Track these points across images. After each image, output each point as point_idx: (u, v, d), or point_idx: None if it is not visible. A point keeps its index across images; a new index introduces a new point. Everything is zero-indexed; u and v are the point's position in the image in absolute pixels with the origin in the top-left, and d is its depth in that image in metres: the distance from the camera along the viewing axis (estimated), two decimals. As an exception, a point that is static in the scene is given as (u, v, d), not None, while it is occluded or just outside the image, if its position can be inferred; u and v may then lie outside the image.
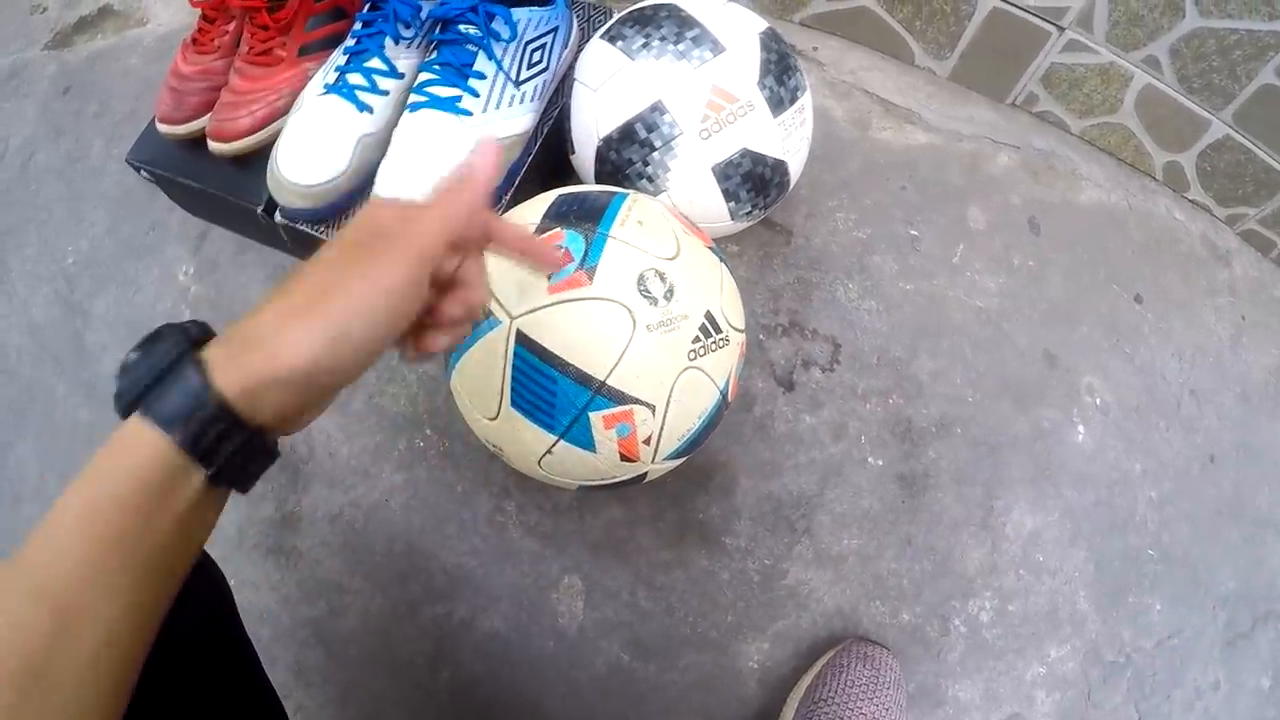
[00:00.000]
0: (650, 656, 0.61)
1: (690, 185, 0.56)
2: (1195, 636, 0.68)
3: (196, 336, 0.29)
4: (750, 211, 0.60)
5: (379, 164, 0.59)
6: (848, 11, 0.79)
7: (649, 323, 0.44)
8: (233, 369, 0.27)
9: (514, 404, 0.45)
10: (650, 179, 0.56)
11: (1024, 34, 0.74)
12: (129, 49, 0.94)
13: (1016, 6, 0.72)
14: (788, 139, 0.57)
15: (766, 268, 0.70)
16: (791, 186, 0.62)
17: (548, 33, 0.60)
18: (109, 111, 0.91)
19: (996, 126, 0.79)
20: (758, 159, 0.56)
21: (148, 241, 0.82)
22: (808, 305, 0.69)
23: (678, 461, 0.51)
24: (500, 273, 0.47)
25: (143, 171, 0.73)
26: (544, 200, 0.49)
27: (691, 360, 0.45)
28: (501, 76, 0.58)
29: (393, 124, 0.60)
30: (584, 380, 0.43)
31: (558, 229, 0.46)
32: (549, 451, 0.47)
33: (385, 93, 0.60)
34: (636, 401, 0.44)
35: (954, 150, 0.77)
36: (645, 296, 0.44)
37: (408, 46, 0.60)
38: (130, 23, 0.98)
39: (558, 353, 0.43)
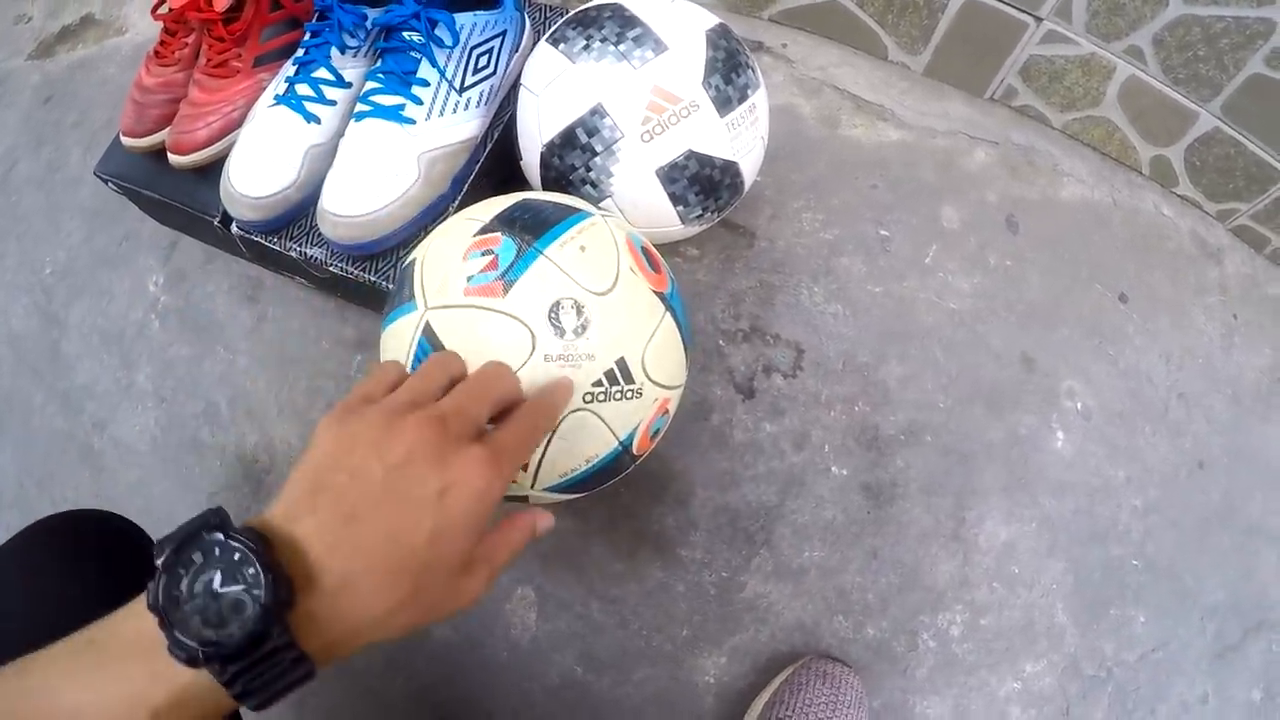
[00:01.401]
0: (604, 669, 0.60)
1: (635, 190, 0.55)
2: (1182, 649, 0.65)
3: (284, 598, 0.27)
4: (702, 215, 0.59)
5: (326, 174, 0.58)
6: (818, 6, 0.77)
7: (548, 353, 0.42)
8: (318, 643, 0.28)
9: None
10: (594, 184, 0.55)
11: (1000, 25, 0.71)
12: (107, 58, 0.95)
13: (991, -3, 0.70)
14: (737, 139, 0.56)
15: (728, 271, 0.68)
16: (745, 188, 0.60)
17: (494, 37, 0.59)
18: (87, 121, 0.92)
19: (973, 122, 0.76)
20: (705, 160, 0.55)
21: (121, 252, 0.83)
22: (770, 309, 0.67)
23: (566, 496, 0.49)
24: (435, 258, 0.46)
25: (110, 184, 0.74)
26: (501, 202, 0.48)
27: (586, 403, 0.43)
28: (444, 83, 0.57)
29: (340, 134, 0.59)
30: None
31: (498, 234, 0.45)
32: None
33: (333, 103, 0.60)
34: None
35: (928, 147, 0.75)
36: (554, 325, 0.42)
37: (354, 55, 0.60)
38: (110, 32, 0.98)
39: None
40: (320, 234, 0.60)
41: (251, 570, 0.27)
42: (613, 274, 0.45)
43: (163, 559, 0.27)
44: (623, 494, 0.61)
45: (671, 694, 0.59)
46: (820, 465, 0.63)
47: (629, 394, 0.45)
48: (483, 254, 0.44)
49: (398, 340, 0.46)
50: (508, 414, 0.37)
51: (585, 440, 0.45)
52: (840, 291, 0.68)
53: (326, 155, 0.59)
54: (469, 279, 0.43)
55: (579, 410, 0.43)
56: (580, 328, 0.43)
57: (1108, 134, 0.77)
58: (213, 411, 0.74)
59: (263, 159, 0.59)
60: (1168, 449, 0.70)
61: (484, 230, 0.46)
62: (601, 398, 0.44)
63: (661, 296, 0.47)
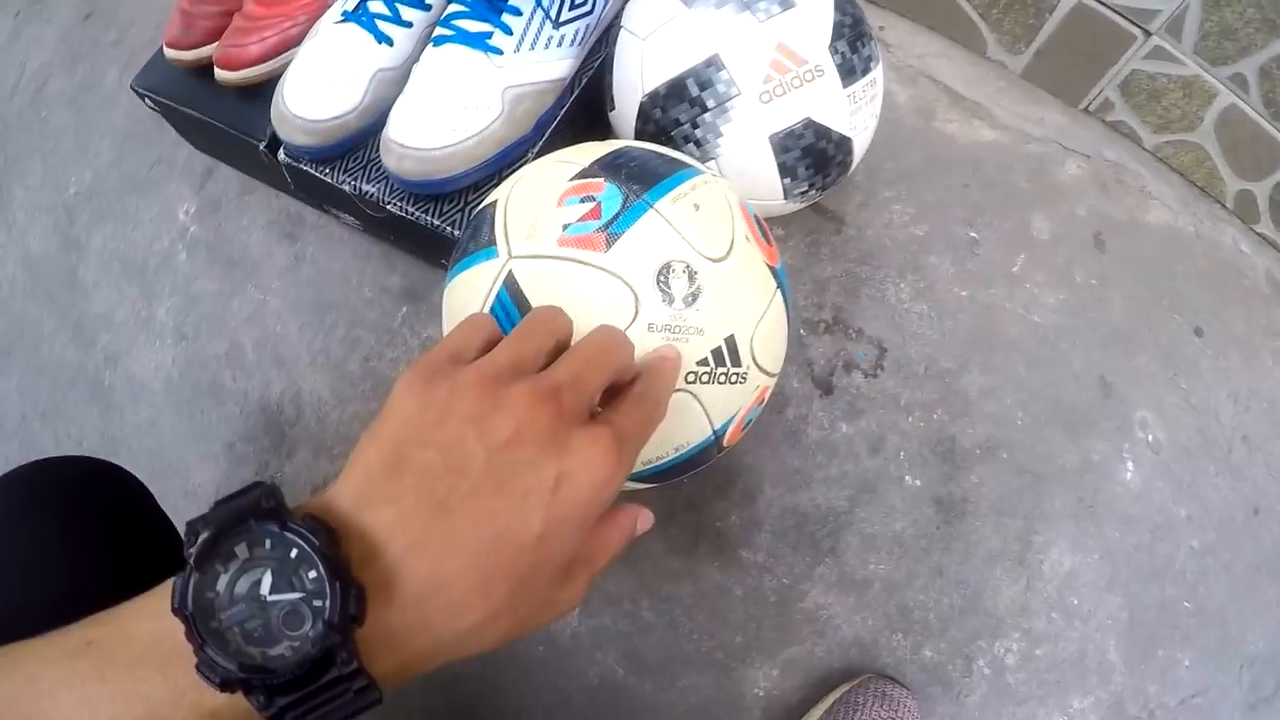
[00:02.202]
0: (648, 673, 0.51)
1: (744, 155, 0.46)
2: (1220, 697, 0.59)
3: (353, 613, 0.19)
4: (806, 191, 0.50)
5: (395, 102, 0.49)
6: (919, -8, 0.68)
7: (653, 321, 0.34)
8: (389, 666, 0.21)
9: None
10: (699, 143, 0.46)
11: (1107, 34, 0.63)
12: (154, -24, 0.84)
13: (1103, 4, 0.62)
14: (856, 114, 0.47)
15: (814, 257, 0.60)
16: (852, 168, 0.52)
17: (596, -29, 0.50)
18: (128, 39, 0.81)
19: (1067, 132, 0.68)
20: (822, 132, 0.46)
21: (152, 176, 0.72)
22: (855, 302, 0.59)
23: (643, 486, 0.41)
24: (522, 199, 0.37)
25: (147, 100, 0.63)
26: (601, 148, 0.39)
27: (689, 383, 0.35)
28: (540, 14, 0.47)
29: (414, 59, 0.50)
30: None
31: (601, 179, 0.36)
32: None
33: (409, 24, 0.50)
34: None
35: (1021, 151, 0.67)
36: (662, 290, 0.34)
37: (438, -26, 0.50)
38: (158, -50, 0.87)
39: None
40: (379, 168, 0.51)
41: (313, 573, 0.18)
42: (728, 239, 0.36)
43: (195, 548, 0.18)
44: (685, 486, 0.53)
45: (717, 704, 0.51)
46: (894, 473, 0.55)
47: (734, 377, 0.36)
48: (582, 200, 0.36)
49: (470, 291, 0.37)
50: (615, 391, 0.29)
51: (679, 426, 0.36)
52: (927, 291, 0.59)
53: (396, 81, 0.50)
54: (565, 227, 0.35)
55: (678, 390, 0.35)
56: (691, 296, 0.34)
57: (1198, 161, 0.69)
58: (237, 354, 0.64)
59: (324, 79, 0.50)
60: (1228, 491, 0.63)
61: (583, 174, 0.37)
62: (705, 379, 0.35)
63: (773, 271, 0.39)
